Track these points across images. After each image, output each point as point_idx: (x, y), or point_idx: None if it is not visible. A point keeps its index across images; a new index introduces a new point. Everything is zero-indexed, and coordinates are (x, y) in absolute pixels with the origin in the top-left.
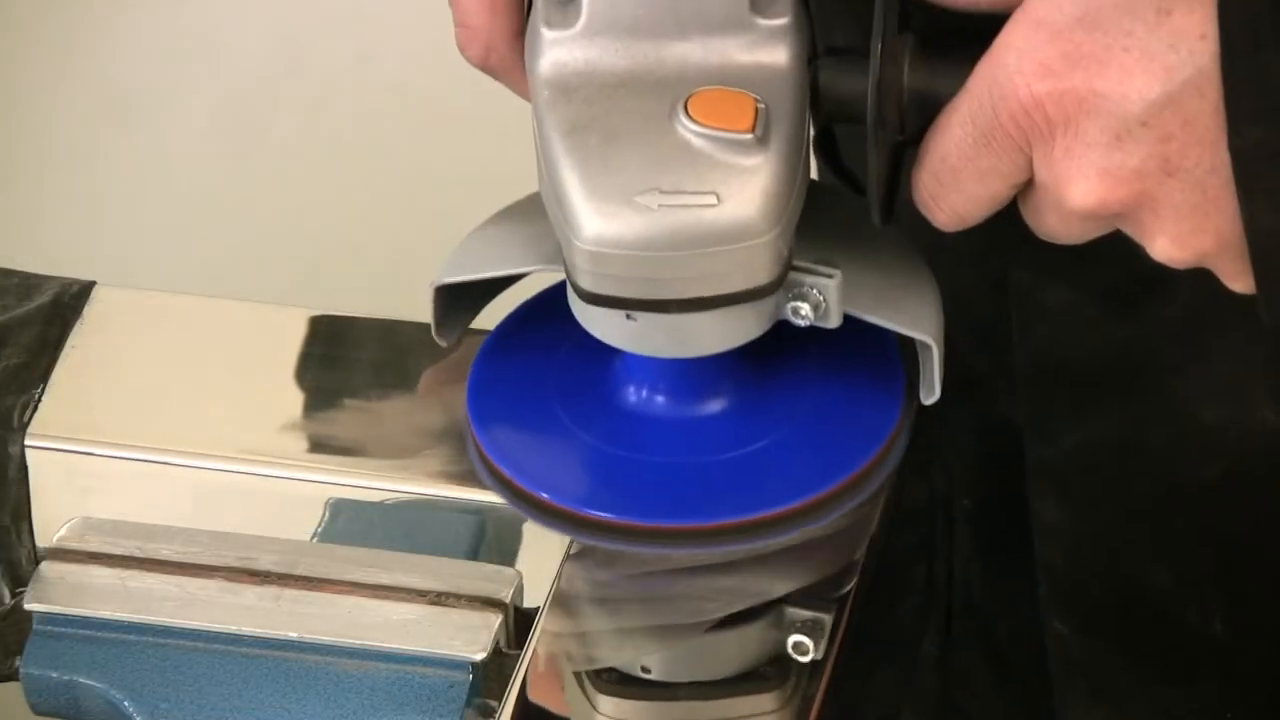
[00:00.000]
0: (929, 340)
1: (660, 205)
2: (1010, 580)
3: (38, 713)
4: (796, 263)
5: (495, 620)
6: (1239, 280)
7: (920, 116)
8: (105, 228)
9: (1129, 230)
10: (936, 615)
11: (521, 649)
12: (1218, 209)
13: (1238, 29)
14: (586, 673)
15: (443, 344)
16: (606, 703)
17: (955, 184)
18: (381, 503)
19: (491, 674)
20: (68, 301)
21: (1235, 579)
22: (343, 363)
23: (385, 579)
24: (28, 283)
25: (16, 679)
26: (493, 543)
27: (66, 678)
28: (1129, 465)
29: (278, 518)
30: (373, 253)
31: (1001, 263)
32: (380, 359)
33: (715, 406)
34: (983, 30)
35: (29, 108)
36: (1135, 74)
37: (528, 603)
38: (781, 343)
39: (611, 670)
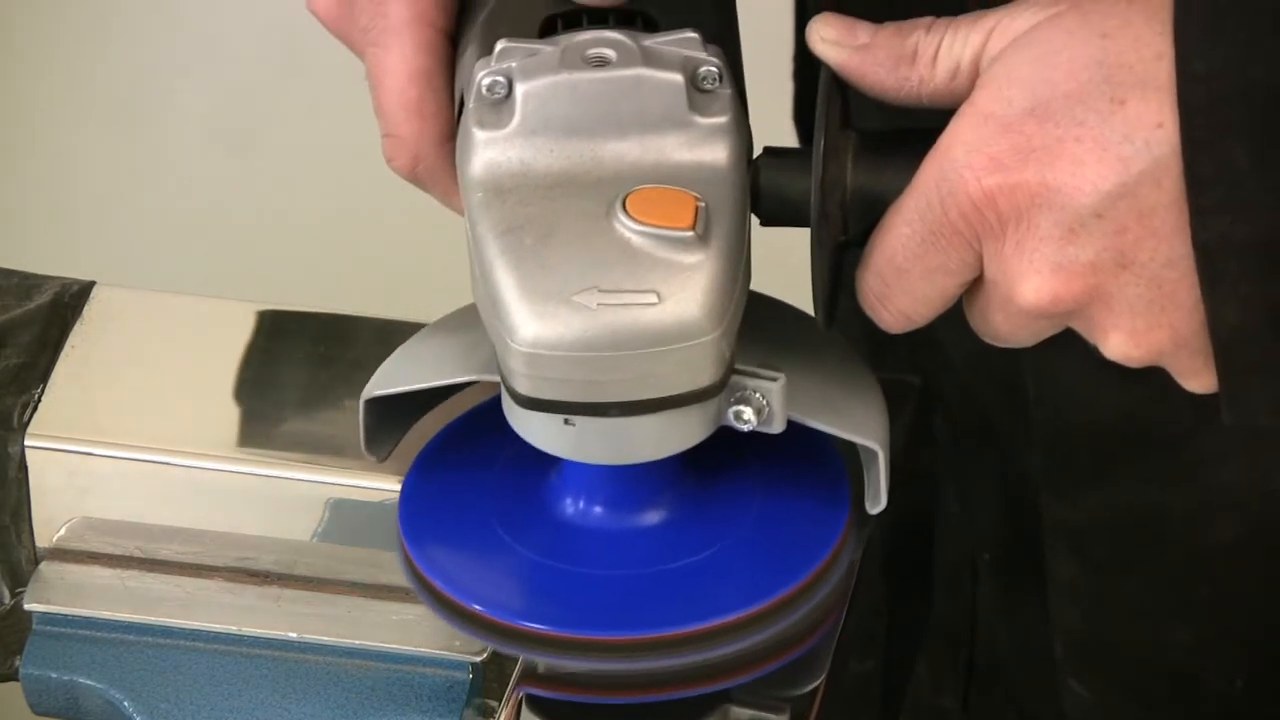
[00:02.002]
0: (874, 446)
1: (599, 304)
2: (1031, 636)
3: (38, 713)
4: (739, 366)
5: None
6: (1196, 379)
7: (864, 216)
8: (105, 228)
9: (1081, 329)
10: (956, 668)
11: None
12: (1174, 304)
13: (1198, 119)
14: None
15: (374, 458)
16: None
17: (902, 284)
18: (381, 503)
19: (491, 674)
20: (68, 301)
21: (1255, 638)
22: (343, 362)
23: (385, 579)
24: (28, 283)
25: (16, 679)
26: None
27: (66, 678)
28: (1147, 526)
29: (278, 518)
30: (373, 253)
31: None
32: (380, 359)
33: (655, 516)
34: (926, 128)
35: (29, 108)
36: (1088, 165)
37: None
38: (722, 450)
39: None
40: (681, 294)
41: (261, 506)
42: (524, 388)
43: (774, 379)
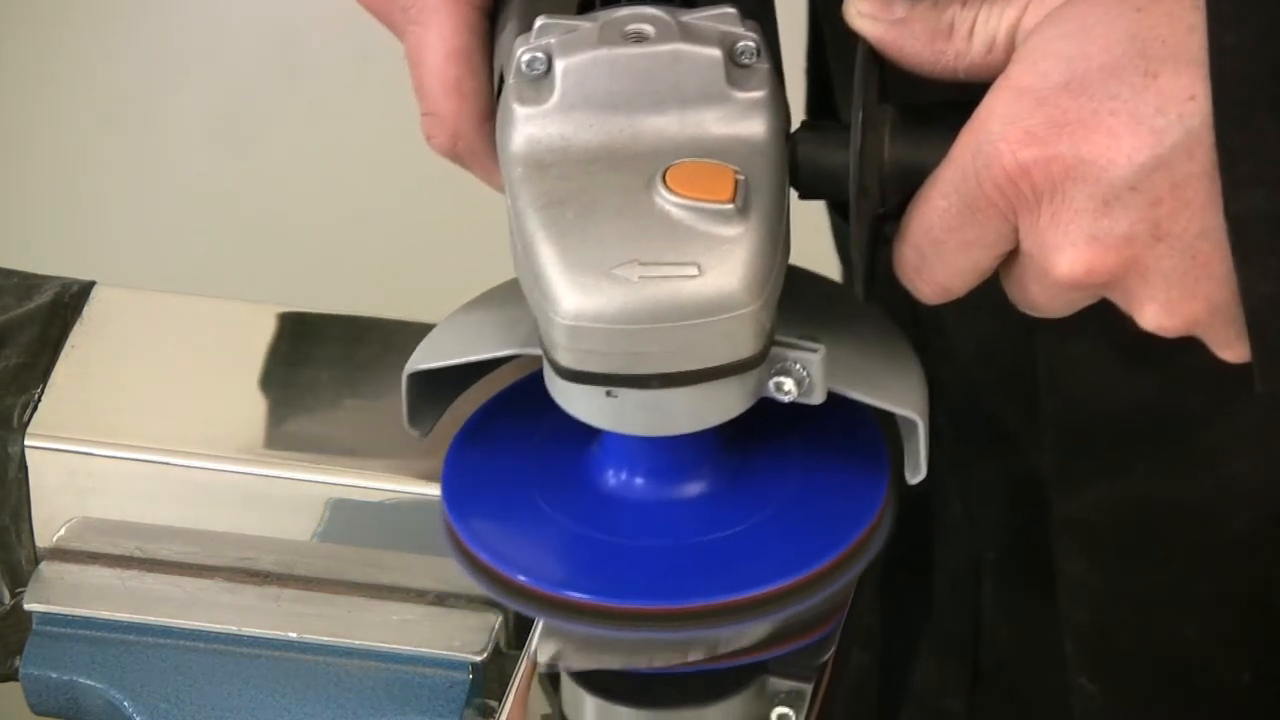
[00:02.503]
0: (914, 416)
1: (640, 277)
2: (1037, 634)
3: (38, 713)
4: (779, 338)
5: (495, 620)
6: (1230, 348)
7: (901, 188)
8: (105, 228)
9: (1117, 299)
10: (962, 669)
11: (521, 649)
12: (1208, 274)
13: (1230, 92)
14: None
15: (416, 434)
16: None
17: (939, 256)
18: (381, 503)
19: (491, 674)
20: (68, 301)
21: (1264, 631)
22: (343, 362)
23: (385, 579)
24: (28, 283)
25: (16, 679)
26: None
27: (66, 678)
28: (1157, 519)
29: (278, 518)
30: (373, 253)
31: (1029, 317)
32: (381, 358)
33: (696, 488)
34: (963, 100)
35: (29, 108)
36: (1123, 138)
37: None
38: (762, 422)
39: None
40: (722, 266)
41: (261, 506)
42: (566, 360)
43: (814, 350)
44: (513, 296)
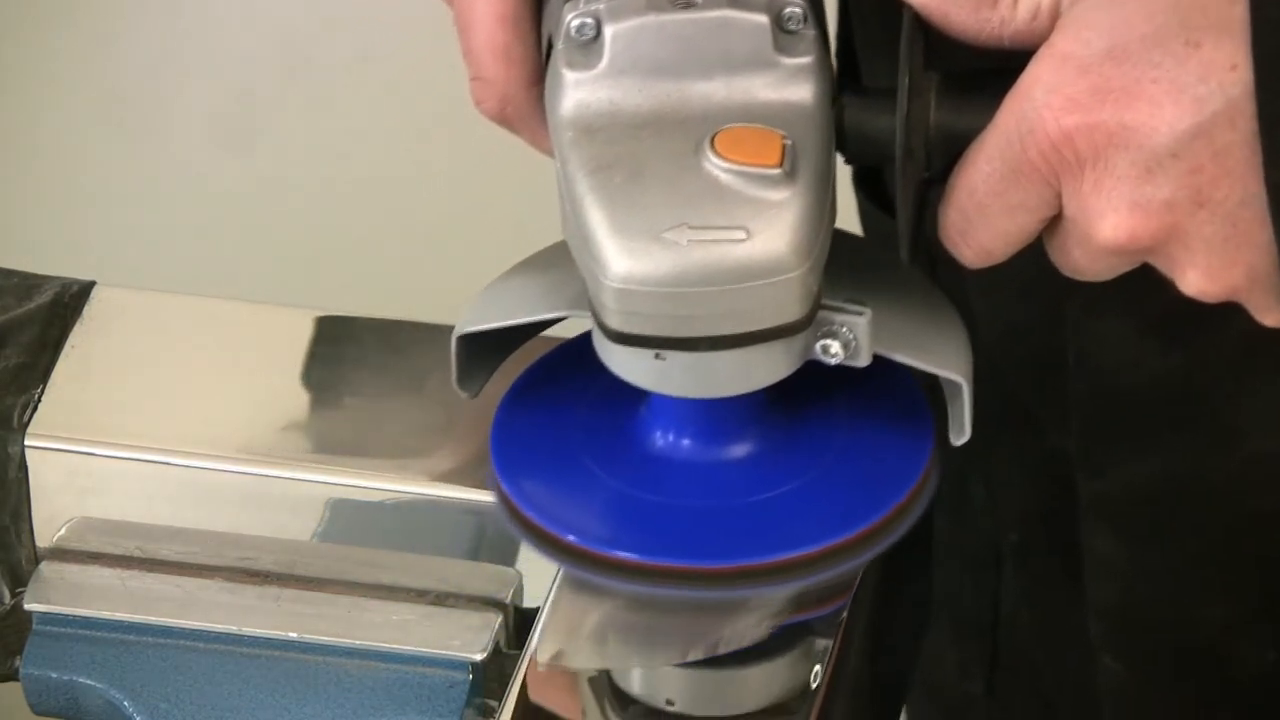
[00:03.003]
0: (959, 379)
1: (689, 241)
2: (1059, 617)
3: (38, 713)
4: (826, 301)
5: (495, 620)
6: (1271, 314)
7: (946, 153)
8: (105, 228)
9: (1158, 265)
10: (980, 654)
11: (521, 649)
12: (1249, 242)
13: (1272, 62)
14: (610, 704)
15: (465, 396)
16: None
17: (982, 220)
18: (381, 503)
19: (491, 674)
20: (68, 301)
21: None
22: (343, 362)
23: (385, 579)
24: (28, 283)
25: (16, 679)
26: (493, 543)
27: (66, 678)
28: (1184, 497)
29: (278, 518)
30: (373, 252)
31: (1057, 294)
32: (380, 359)
33: (743, 449)
34: (1008, 67)
35: (29, 107)
36: (1164, 106)
37: (528, 603)
38: (809, 384)
39: (636, 703)
40: (770, 230)
41: (261, 506)
42: (615, 323)
43: (860, 313)
44: (561, 259)
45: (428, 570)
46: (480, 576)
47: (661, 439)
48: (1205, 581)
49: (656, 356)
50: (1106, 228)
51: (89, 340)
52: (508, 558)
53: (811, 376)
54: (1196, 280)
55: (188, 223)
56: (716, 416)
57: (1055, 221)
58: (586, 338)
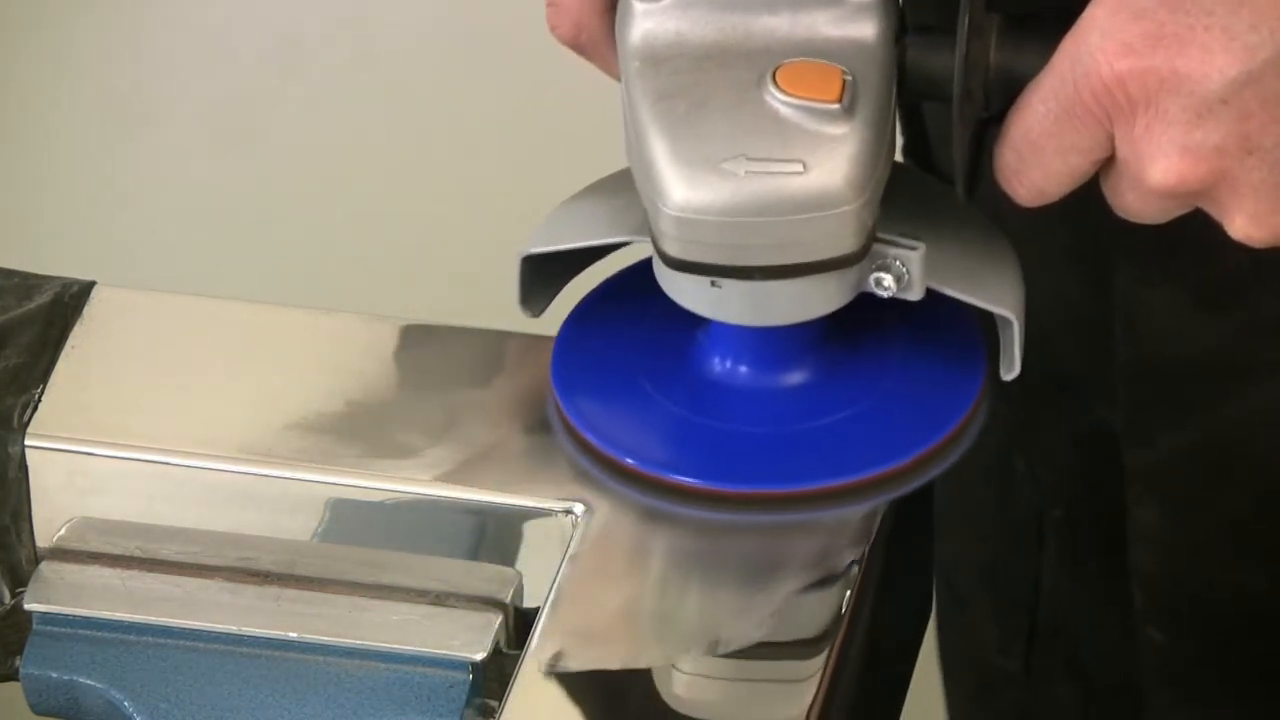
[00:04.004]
0: (1010, 315)
1: (747, 172)
2: (1100, 591)
3: (38, 713)
4: (880, 235)
5: (495, 620)
6: None
7: (1005, 93)
8: (105, 228)
9: (1208, 209)
10: (1018, 629)
11: (521, 649)
12: None
13: None
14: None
15: (529, 315)
16: None
17: (1037, 159)
18: (381, 503)
19: (491, 674)
20: (68, 301)
21: None
22: (343, 362)
23: (385, 579)
24: (28, 283)
25: (16, 679)
26: (493, 543)
27: (66, 678)
28: (1228, 467)
29: (278, 518)
30: (373, 253)
31: (1103, 263)
32: (381, 358)
33: (797, 377)
34: (1067, 10)
35: (29, 107)
36: (1216, 53)
37: (528, 603)
38: (863, 316)
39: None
40: (826, 164)
41: (261, 506)
42: (673, 250)
43: (914, 248)
44: (626, 185)
45: (428, 570)
46: (480, 576)
47: (719, 365)
48: (1249, 550)
49: (713, 284)
50: (1157, 171)
51: (89, 340)
52: (508, 558)
53: (870, 308)
54: (1244, 225)
55: (188, 223)
56: (772, 344)
57: (1109, 163)
58: (648, 263)
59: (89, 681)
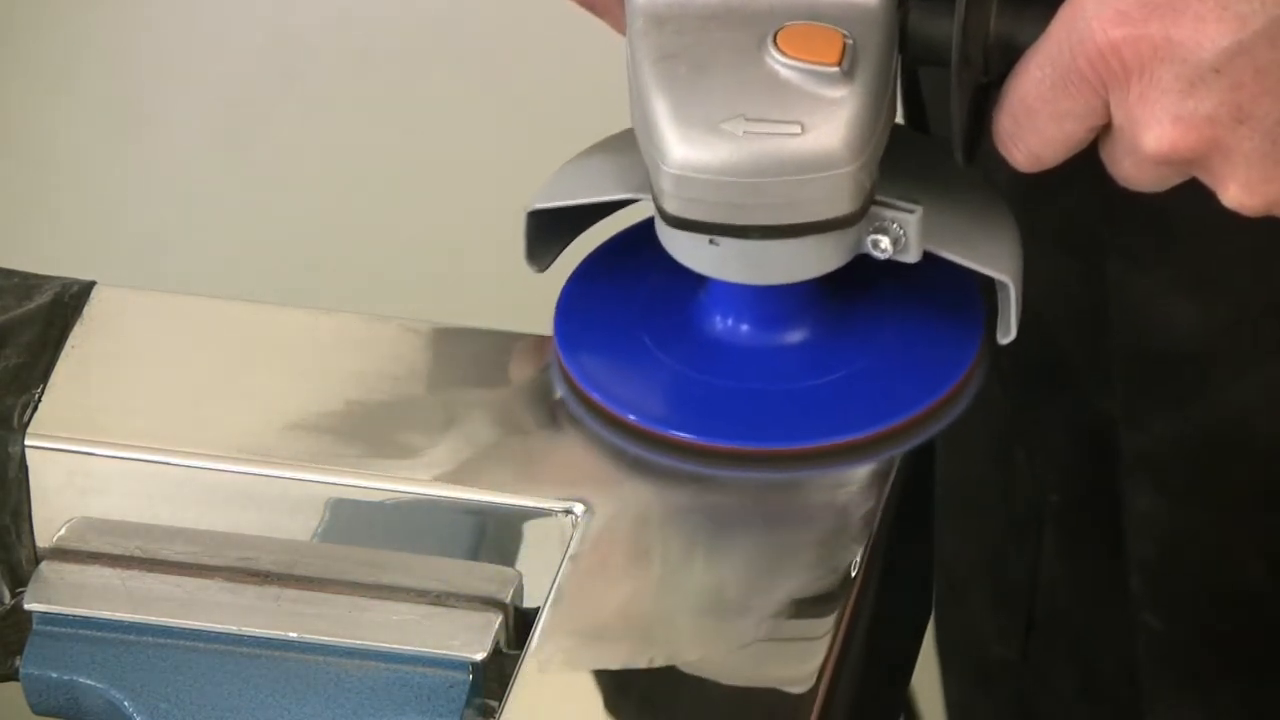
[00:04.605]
0: (1006, 279)
1: (745, 133)
2: (1098, 578)
3: (38, 713)
4: (879, 197)
5: (495, 620)
6: None
7: (1004, 60)
8: (105, 228)
9: (1202, 177)
10: (1016, 619)
11: (521, 649)
12: None
13: None
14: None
15: (535, 270)
16: None
17: (1032, 125)
18: (381, 503)
19: (491, 674)
20: (68, 301)
21: None
22: (343, 362)
23: (385, 579)
24: (28, 283)
25: (16, 679)
26: (493, 543)
27: (66, 678)
28: (1226, 453)
29: (278, 518)
30: (373, 253)
31: (1097, 250)
32: (381, 358)
33: (794, 336)
34: None
35: (29, 107)
36: (1209, 22)
37: (528, 603)
38: (863, 277)
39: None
40: (824, 126)
41: (261, 506)
42: (672, 207)
43: (911, 210)
44: (631, 143)
45: (428, 570)
46: (480, 576)
47: (719, 323)
48: (1247, 538)
49: (711, 242)
50: (1150, 139)
51: (89, 340)
52: (508, 558)
53: (870, 269)
54: (1237, 194)
55: (188, 223)
56: (771, 303)
57: (1106, 130)
58: (651, 222)
59: (89, 681)
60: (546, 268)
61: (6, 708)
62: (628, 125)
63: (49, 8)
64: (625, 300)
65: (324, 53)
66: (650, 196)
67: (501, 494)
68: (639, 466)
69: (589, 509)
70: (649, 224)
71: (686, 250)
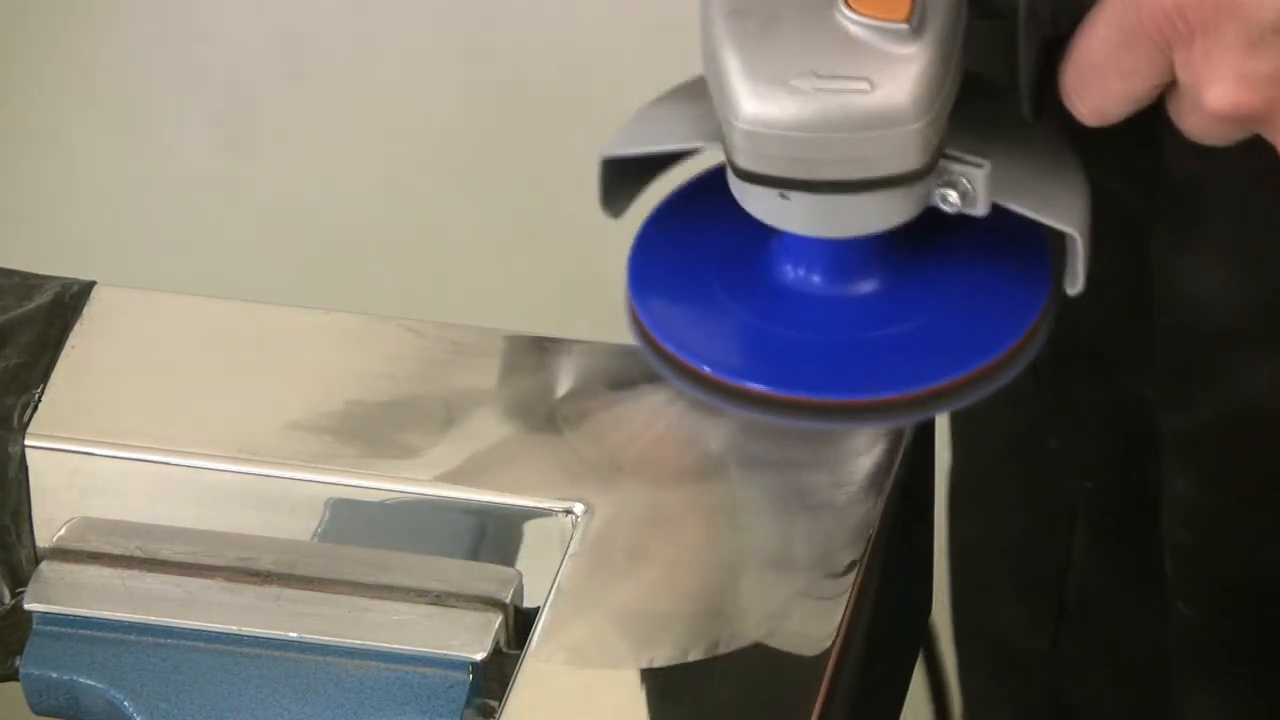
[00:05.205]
0: (1073, 231)
1: (815, 89)
2: (1131, 567)
3: (38, 713)
4: (947, 151)
5: (495, 620)
6: None
7: (1071, 14)
8: (105, 228)
9: (1265, 134)
10: (1046, 609)
11: (521, 649)
12: None
13: None
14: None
15: (610, 215)
16: None
17: (1098, 80)
18: (381, 503)
19: (491, 674)
20: (68, 301)
21: None
22: (343, 362)
23: (385, 579)
24: (28, 283)
25: (16, 679)
26: (493, 543)
27: (66, 678)
28: (1266, 436)
29: (278, 518)
30: (373, 253)
31: (1138, 229)
32: (381, 359)
33: (864, 287)
34: None
35: (29, 107)
36: None
37: (528, 603)
38: (932, 228)
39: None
40: (892, 83)
41: (261, 506)
42: (743, 161)
43: (979, 165)
44: (705, 91)
45: (428, 570)
46: (480, 576)
47: (790, 273)
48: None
49: (781, 196)
50: (1213, 97)
51: (89, 340)
52: (508, 558)
53: (941, 219)
54: None
55: (188, 223)
56: (841, 254)
57: (1171, 87)
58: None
59: (89, 681)
60: (621, 213)
61: (6, 708)
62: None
63: (49, 7)
64: (698, 248)
65: (325, 52)
66: (722, 146)
67: (501, 494)
68: (639, 466)
69: (589, 509)
70: (723, 169)
71: (756, 202)
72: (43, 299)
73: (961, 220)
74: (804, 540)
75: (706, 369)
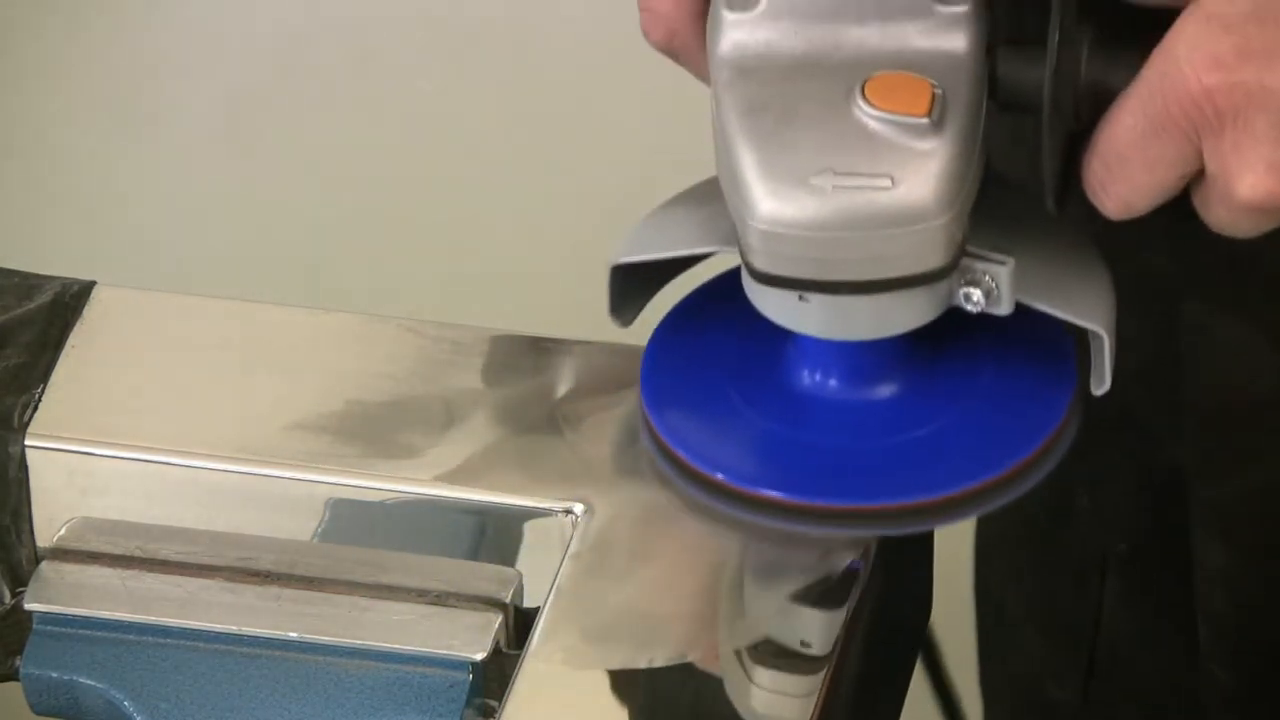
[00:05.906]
0: (1100, 330)
1: (834, 187)
2: (1164, 627)
3: (38, 712)
4: (969, 248)
5: (495, 620)
6: None
7: (1095, 105)
8: (105, 228)
9: None
10: (1076, 661)
11: (521, 649)
12: None
13: None
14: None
15: (619, 325)
16: (765, 675)
17: (1124, 172)
18: (381, 503)
19: (491, 674)
20: (68, 301)
21: None
22: (343, 362)
23: (385, 579)
24: (28, 283)
25: (16, 679)
26: (493, 543)
27: (66, 678)
28: None
29: (278, 518)
30: (374, 253)
31: (1173, 298)
32: (381, 359)
33: (885, 390)
34: (1160, 22)
35: (29, 107)
36: None
37: (528, 603)
38: (953, 329)
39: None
40: (914, 179)
41: (261, 506)
42: (760, 263)
43: (1003, 262)
44: (715, 193)
45: (428, 570)
46: (480, 576)
47: (807, 377)
48: None
49: (800, 298)
50: (1244, 187)
51: (89, 340)
52: (508, 558)
53: (960, 319)
54: None
55: (188, 223)
56: (860, 357)
57: (1199, 177)
58: (737, 272)
59: (89, 681)
60: (631, 322)
61: (6, 708)
62: (633, 123)
63: (50, 8)
64: (712, 353)
65: (325, 52)
66: (736, 249)
67: (501, 494)
68: (639, 466)
69: (589, 509)
70: (734, 274)
71: (773, 305)
72: (43, 299)
73: (980, 317)
74: (804, 541)
75: (720, 476)
